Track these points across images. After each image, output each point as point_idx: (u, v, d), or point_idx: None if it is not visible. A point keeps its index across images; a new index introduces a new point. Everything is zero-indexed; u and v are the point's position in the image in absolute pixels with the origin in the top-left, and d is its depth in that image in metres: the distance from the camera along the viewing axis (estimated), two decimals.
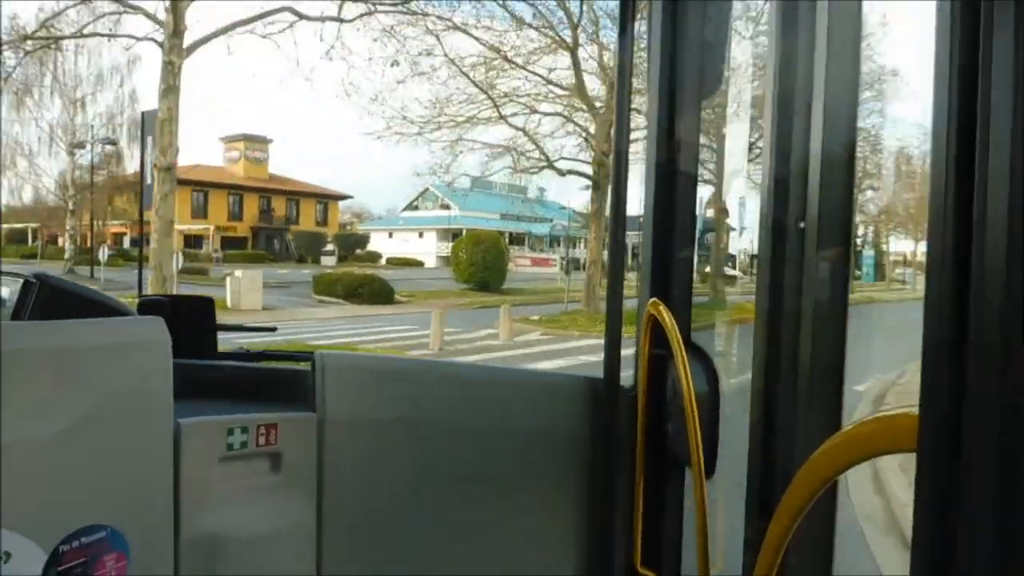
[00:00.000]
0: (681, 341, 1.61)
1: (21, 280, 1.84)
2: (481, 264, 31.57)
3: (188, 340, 1.64)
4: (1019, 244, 0.52)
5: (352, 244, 53.61)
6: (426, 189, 64.66)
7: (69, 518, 1.31)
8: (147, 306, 1.97)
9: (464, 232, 35.55)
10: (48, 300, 1.81)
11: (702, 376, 1.69)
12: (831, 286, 1.29)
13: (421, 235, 60.42)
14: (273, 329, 2.54)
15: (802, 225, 1.30)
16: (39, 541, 1.27)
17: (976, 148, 0.55)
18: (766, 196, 1.37)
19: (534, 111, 21.94)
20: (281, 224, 53.05)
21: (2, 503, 1.21)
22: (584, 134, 22.26)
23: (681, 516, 1.83)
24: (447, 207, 62.36)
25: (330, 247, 50.39)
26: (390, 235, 65.88)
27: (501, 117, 21.47)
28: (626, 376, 1.92)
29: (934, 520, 0.58)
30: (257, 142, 53.94)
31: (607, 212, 21.93)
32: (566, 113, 22.19)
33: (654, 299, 1.77)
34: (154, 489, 1.45)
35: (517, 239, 61.85)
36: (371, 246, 61.17)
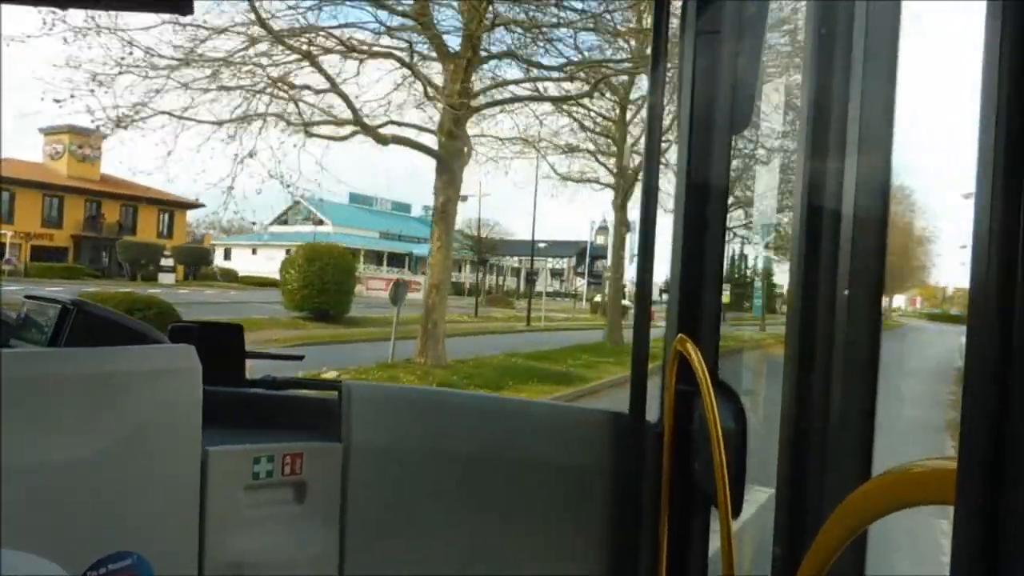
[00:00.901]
0: (709, 378, 1.59)
1: (59, 306, 1.79)
2: (318, 286, 23.89)
3: (217, 366, 1.57)
4: None
5: (197, 259, 44.31)
6: (296, 202, 56.87)
7: (97, 544, 1.30)
8: (178, 332, 1.90)
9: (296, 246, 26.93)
10: (84, 326, 1.75)
11: (730, 414, 1.66)
12: (863, 326, 1.28)
13: (289, 252, 52.44)
14: (301, 358, 2.44)
15: (846, 293, 1.30)
16: (67, 567, 1.25)
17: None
18: (798, 235, 1.37)
19: (352, 49, 13.64)
20: (112, 234, 43.50)
21: (32, 528, 1.22)
22: (421, 83, 14.11)
23: (707, 556, 1.81)
24: (320, 222, 54.51)
25: (168, 262, 41.07)
26: (254, 251, 57.29)
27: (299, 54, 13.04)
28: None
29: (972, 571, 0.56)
30: (86, 136, 44.08)
31: (473, 216, 14.12)
32: (402, 56, 13.99)
33: (681, 335, 1.76)
34: (180, 517, 1.43)
35: (397, 260, 54.35)
36: (233, 263, 52.52)
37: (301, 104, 13.50)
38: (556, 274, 64.56)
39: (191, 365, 1.43)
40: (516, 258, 67.80)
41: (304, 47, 13.08)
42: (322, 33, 13.32)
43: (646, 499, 1.81)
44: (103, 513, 1.31)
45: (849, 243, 1.26)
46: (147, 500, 1.36)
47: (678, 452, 1.76)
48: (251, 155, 13.42)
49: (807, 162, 1.33)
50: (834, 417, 1.28)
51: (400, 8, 13.69)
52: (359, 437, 1.65)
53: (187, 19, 11.92)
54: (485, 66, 14.73)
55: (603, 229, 67.50)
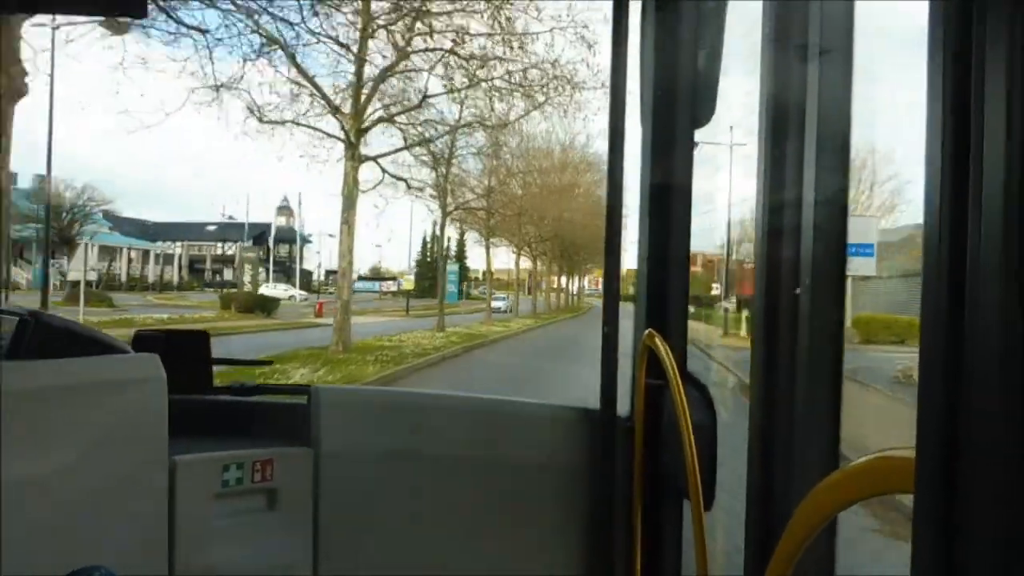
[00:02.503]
0: (678, 372, 1.63)
1: (16, 318, 1.72)
2: None
3: (183, 374, 1.58)
4: (1017, 269, 0.52)
5: None
6: None
7: (64, 558, 1.23)
8: (142, 340, 1.86)
9: None
10: (44, 338, 1.68)
11: (699, 406, 1.71)
12: (826, 321, 1.33)
13: None
14: (270, 363, 2.50)
15: (798, 291, 1.34)
16: None
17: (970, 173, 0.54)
18: (760, 234, 1.41)
19: None
20: None
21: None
22: None
23: (680, 548, 1.84)
24: None
25: None
26: None
27: None
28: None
29: (933, 561, 0.57)
30: None
31: None
32: None
33: (650, 330, 1.79)
34: (149, 528, 1.42)
35: None
36: None
37: None
38: (227, 260, 53.13)
39: (155, 374, 1.42)
40: (180, 244, 55.75)
41: None
42: None
43: (618, 493, 1.83)
44: (69, 527, 1.31)
45: (810, 240, 1.30)
46: (114, 512, 1.36)
47: (649, 446, 1.80)
48: None
49: (766, 162, 1.37)
50: (800, 410, 1.31)
51: None
52: (329, 441, 1.66)
53: None
54: None
55: (285, 209, 56.72)
